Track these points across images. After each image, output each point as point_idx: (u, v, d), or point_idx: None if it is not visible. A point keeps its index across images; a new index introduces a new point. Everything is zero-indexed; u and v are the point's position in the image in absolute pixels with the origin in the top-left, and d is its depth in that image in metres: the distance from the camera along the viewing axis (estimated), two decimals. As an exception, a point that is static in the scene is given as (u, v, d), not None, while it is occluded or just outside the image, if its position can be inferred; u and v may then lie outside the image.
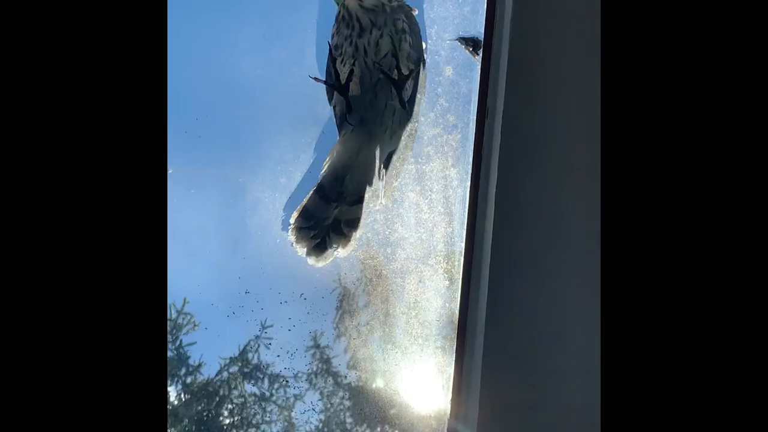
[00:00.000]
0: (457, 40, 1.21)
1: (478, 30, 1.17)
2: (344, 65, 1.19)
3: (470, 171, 1.04)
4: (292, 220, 1.20)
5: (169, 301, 1.24)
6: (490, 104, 1.02)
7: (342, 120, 1.22)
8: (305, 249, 1.20)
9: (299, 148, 1.24)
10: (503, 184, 0.94)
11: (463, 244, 1.03)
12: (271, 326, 1.23)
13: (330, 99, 1.24)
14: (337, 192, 1.21)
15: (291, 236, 1.20)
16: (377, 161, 1.22)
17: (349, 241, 1.20)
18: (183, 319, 1.25)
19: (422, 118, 1.23)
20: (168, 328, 1.24)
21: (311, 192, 1.21)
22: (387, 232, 1.22)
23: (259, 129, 1.27)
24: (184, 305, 1.25)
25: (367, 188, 1.21)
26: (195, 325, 1.26)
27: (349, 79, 1.18)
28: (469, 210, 1.03)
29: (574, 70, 0.96)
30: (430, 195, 1.21)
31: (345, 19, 1.20)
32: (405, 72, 1.18)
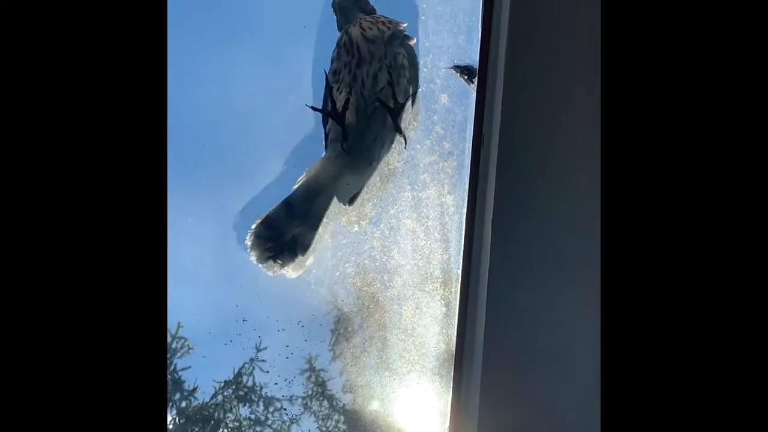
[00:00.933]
0: (452, 68, 1.22)
1: (473, 58, 1.18)
2: (341, 93, 1.20)
3: (466, 198, 1.05)
4: (253, 226, 1.21)
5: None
6: (485, 131, 1.02)
7: (334, 144, 1.23)
8: (256, 256, 1.20)
9: (296, 177, 1.25)
10: (500, 210, 0.95)
11: (460, 271, 1.04)
12: (266, 349, 1.23)
13: (325, 124, 1.25)
14: (303, 210, 1.22)
15: (248, 240, 1.20)
16: (353, 191, 1.24)
17: (297, 263, 1.21)
18: (177, 343, 1.25)
19: (418, 146, 1.24)
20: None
21: (279, 204, 1.22)
22: (384, 259, 1.22)
23: (256, 158, 1.27)
24: (178, 330, 1.25)
25: (325, 218, 1.23)
26: (189, 349, 1.26)
27: (345, 107, 1.19)
28: (465, 236, 1.03)
29: (569, 98, 0.97)
30: (426, 222, 1.22)
31: (346, 46, 1.21)
32: (401, 101, 1.19)
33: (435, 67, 1.24)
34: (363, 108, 1.20)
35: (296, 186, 1.23)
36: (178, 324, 1.25)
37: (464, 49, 1.22)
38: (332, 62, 1.23)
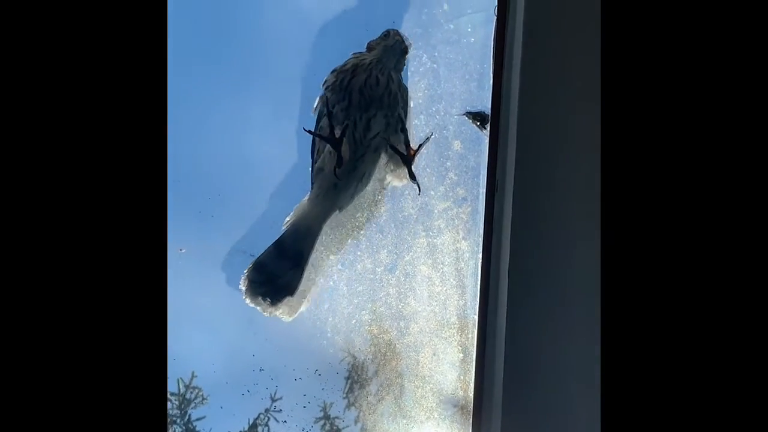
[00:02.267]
0: (464, 114, 1.23)
1: (485, 105, 1.19)
2: (336, 120, 1.21)
3: (481, 243, 1.05)
4: (246, 270, 1.21)
5: (178, 375, 1.24)
6: (498, 177, 1.03)
7: (321, 178, 1.23)
8: (249, 300, 1.21)
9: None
10: (515, 255, 0.95)
11: (477, 317, 1.03)
12: (281, 398, 1.22)
13: (313, 152, 1.26)
14: (295, 251, 1.22)
15: (242, 285, 1.21)
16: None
17: (289, 305, 1.21)
18: (191, 393, 1.25)
19: (432, 192, 1.24)
20: (176, 404, 1.23)
21: (270, 246, 1.22)
22: (400, 306, 1.22)
23: (269, 206, 1.28)
24: (192, 379, 1.25)
25: (310, 257, 1.23)
26: (204, 399, 1.25)
27: (343, 134, 1.20)
28: (481, 282, 1.03)
29: (581, 143, 0.97)
30: (442, 268, 1.22)
31: (343, 84, 1.22)
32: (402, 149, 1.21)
33: (447, 114, 1.24)
34: (352, 149, 1.21)
35: (285, 226, 1.23)
36: (192, 374, 1.25)
37: (476, 96, 1.22)
38: (326, 90, 1.24)
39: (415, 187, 1.22)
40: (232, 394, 1.22)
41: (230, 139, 1.29)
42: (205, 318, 1.24)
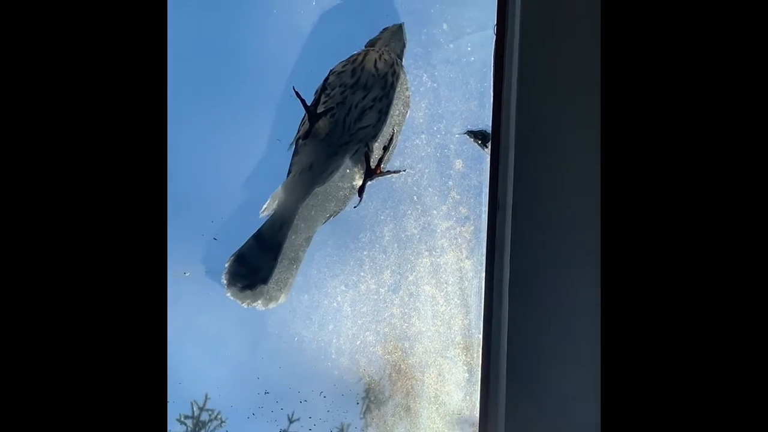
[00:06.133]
0: (465, 133, 1.23)
1: (486, 123, 1.19)
2: (325, 104, 1.21)
3: (484, 262, 1.04)
4: (227, 263, 1.22)
5: (190, 399, 1.23)
6: (500, 195, 1.03)
7: (298, 158, 1.24)
8: (230, 292, 1.22)
9: (314, 247, 1.25)
10: (516, 273, 0.94)
11: (481, 335, 1.03)
12: (298, 420, 1.22)
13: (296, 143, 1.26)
14: (275, 242, 1.23)
15: (224, 279, 1.22)
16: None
17: (264, 294, 1.22)
18: (207, 415, 1.24)
19: (434, 211, 1.24)
20: (191, 427, 1.23)
21: (250, 238, 1.23)
22: (404, 326, 1.22)
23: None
24: (205, 402, 1.24)
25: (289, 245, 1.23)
26: (222, 422, 1.24)
27: (324, 113, 1.20)
28: (485, 301, 1.03)
29: (581, 159, 0.97)
30: (445, 287, 1.21)
31: (355, 63, 1.23)
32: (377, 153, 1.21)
33: (449, 133, 1.24)
34: (339, 133, 1.21)
35: (263, 214, 1.24)
36: (206, 396, 1.25)
37: (477, 115, 1.23)
38: (331, 74, 1.25)
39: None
40: (238, 418, 1.22)
41: (232, 162, 1.30)
42: (209, 340, 1.24)
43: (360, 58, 1.24)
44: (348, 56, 1.26)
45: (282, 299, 1.23)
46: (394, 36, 1.27)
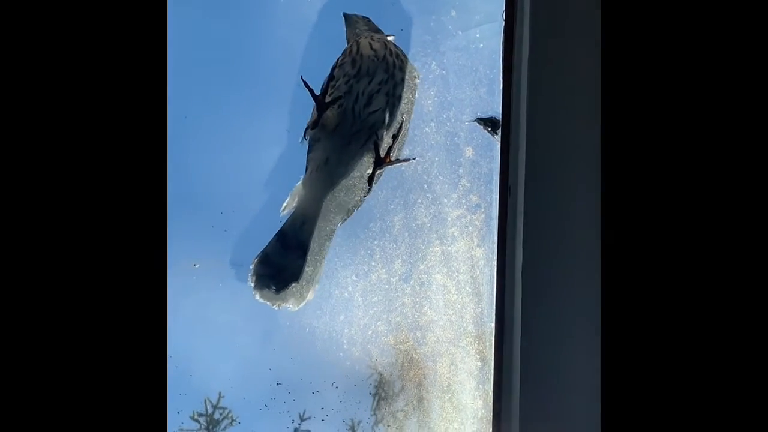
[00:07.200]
0: (475, 120, 1.22)
1: (495, 110, 1.18)
2: (332, 95, 1.21)
3: (496, 250, 1.04)
4: (252, 265, 1.22)
5: (204, 396, 1.23)
6: (511, 182, 1.02)
7: (313, 155, 1.24)
8: (258, 294, 1.21)
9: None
10: (528, 260, 0.94)
11: (494, 324, 1.02)
12: (309, 418, 1.22)
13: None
14: (299, 240, 1.22)
15: (250, 281, 1.21)
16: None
17: (294, 293, 1.22)
18: (220, 413, 1.24)
19: (445, 200, 1.23)
20: (204, 425, 1.23)
21: (273, 238, 1.23)
22: (416, 316, 1.21)
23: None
24: (219, 400, 1.24)
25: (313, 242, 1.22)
26: (233, 420, 1.24)
27: (332, 102, 1.20)
28: (497, 289, 1.02)
29: (591, 145, 0.96)
30: (457, 276, 1.21)
31: (352, 54, 1.22)
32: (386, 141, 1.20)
33: (458, 121, 1.24)
34: (349, 123, 1.20)
35: (283, 212, 1.24)
36: (219, 394, 1.24)
37: (487, 102, 1.22)
38: (333, 69, 1.24)
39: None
40: (250, 410, 1.22)
41: (243, 154, 1.29)
42: (219, 333, 1.24)
43: (354, 47, 1.23)
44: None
45: (310, 296, 1.23)
46: (352, 25, 1.28)
